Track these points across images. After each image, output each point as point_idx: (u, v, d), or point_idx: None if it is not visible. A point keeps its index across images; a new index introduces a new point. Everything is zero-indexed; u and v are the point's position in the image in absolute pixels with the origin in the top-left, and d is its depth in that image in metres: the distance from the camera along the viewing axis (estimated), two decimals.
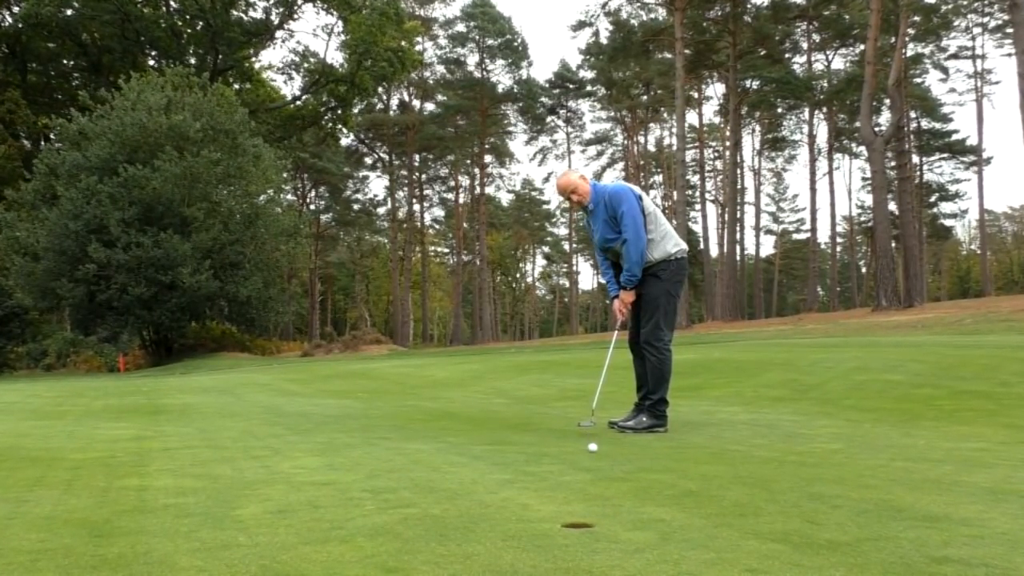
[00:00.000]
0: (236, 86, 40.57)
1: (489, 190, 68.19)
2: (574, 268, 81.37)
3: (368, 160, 65.31)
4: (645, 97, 59.81)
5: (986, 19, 50.71)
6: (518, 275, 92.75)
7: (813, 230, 58.56)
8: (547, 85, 61.48)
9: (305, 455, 4.01)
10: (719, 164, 69.19)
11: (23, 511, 2.74)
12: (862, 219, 69.26)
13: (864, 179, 60.89)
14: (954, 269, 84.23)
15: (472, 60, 58.86)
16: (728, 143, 55.23)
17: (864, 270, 74.58)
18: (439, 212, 74.66)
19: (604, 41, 51.06)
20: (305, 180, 60.90)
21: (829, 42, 52.76)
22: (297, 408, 7.30)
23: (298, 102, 45.78)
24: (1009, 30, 41.66)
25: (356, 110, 50.01)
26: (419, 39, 54.77)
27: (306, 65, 45.56)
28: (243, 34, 40.63)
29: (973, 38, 52.90)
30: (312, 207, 62.93)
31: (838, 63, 55.12)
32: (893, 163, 37.08)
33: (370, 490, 3.03)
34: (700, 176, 61.10)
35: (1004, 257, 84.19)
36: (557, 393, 8.26)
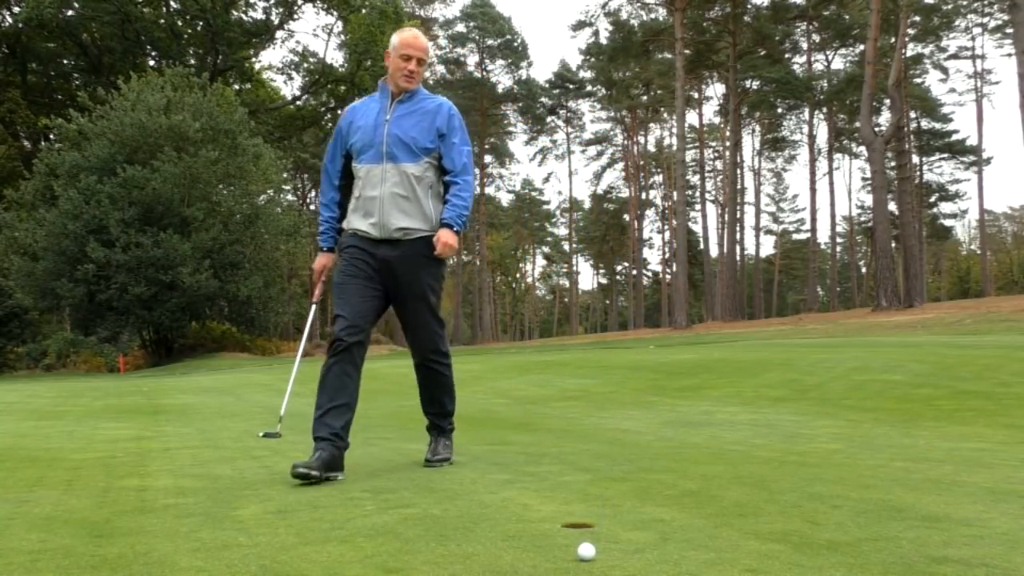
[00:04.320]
0: (236, 86, 40.54)
1: (489, 190, 68.28)
2: (574, 268, 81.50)
3: None
4: (645, 97, 59.84)
5: (986, 19, 50.76)
6: (518, 275, 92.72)
7: (813, 230, 58.62)
8: (547, 85, 61.53)
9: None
10: (719, 164, 69.23)
11: (23, 511, 2.74)
12: (862, 219, 69.25)
13: (864, 179, 60.95)
14: (954, 269, 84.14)
15: (472, 60, 58.99)
16: (728, 143, 55.23)
17: (864, 270, 74.53)
18: None
19: (604, 41, 51.14)
20: (305, 180, 60.87)
21: (829, 42, 52.78)
22: (297, 408, 7.29)
23: (298, 102, 45.77)
24: (1009, 30, 41.66)
25: None
26: None
27: (306, 65, 45.54)
28: (243, 34, 40.60)
29: (973, 38, 53.00)
30: (312, 207, 62.89)
31: (838, 63, 55.21)
32: (893, 163, 37.09)
33: (370, 490, 3.03)
34: (700, 176, 61.11)
35: (1004, 257, 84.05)
36: (557, 393, 8.26)
